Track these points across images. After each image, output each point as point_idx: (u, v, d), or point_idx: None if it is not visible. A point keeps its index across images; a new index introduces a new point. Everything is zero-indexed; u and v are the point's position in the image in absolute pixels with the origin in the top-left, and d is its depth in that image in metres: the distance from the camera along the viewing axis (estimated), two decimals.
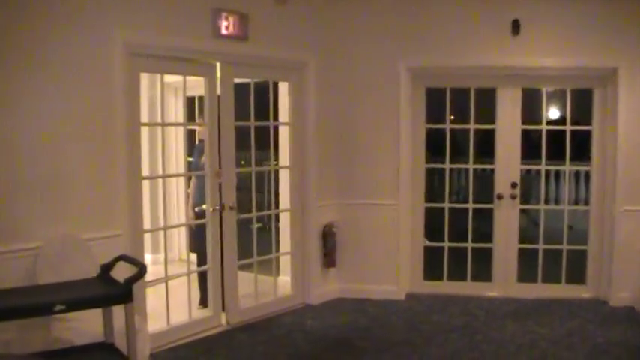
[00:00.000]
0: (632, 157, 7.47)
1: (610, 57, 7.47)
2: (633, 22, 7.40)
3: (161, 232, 7.53)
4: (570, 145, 7.91)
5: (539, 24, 7.52)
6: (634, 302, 7.50)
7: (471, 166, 8.22)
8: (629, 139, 7.47)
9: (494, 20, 7.58)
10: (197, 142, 7.76)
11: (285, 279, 7.85)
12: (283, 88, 7.73)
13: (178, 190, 8.83)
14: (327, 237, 7.83)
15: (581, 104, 8.03)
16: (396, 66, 7.76)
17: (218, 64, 6.72)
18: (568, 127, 7.90)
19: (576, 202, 11.69)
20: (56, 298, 4.30)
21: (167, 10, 6.07)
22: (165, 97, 6.83)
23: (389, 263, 7.96)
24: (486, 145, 8.09)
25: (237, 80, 6.97)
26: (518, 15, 7.49)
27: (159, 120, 7.56)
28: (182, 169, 7.89)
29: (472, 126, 8.05)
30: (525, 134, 7.99)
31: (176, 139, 8.77)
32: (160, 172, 8.30)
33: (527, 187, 9.89)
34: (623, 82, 7.45)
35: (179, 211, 8.82)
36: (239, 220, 7.04)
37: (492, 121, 8.02)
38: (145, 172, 7.28)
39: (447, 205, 8.24)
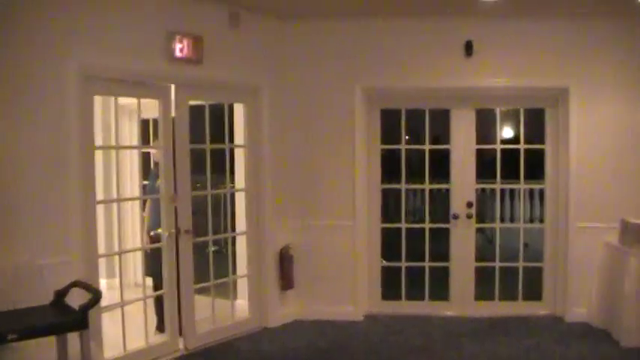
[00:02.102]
0: (585, 175, 7.59)
1: (561, 77, 7.61)
2: (584, 44, 7.56)
3: (116, 257, 7.43)
4: (524, 163, 8.01)
5: (492, 45, 7.63)
6: (589, 318, 7.58)
7: (427, 186, 8.27)
8: (580, 156, 7.59)
9: (448, 42, 7.68)
10: (152, 165, 7.70)
11: (242, 302, 7.79)
12: (239, 110, 7.70)
13: (133, 214, 8.73)
14: (284, 259, 7.79)
15: (535, 123, 8.14)
16: (351, 88, 7.80)
17: (172, 87, 6.68)
18: (522, 146, 8.00)
19: (531, 220, 11.85)
20: (8, 327, 4.22)
21: (121, 33, 6.02)
22: (120, 119, 6.75)
23: (346, 284, 7.95)
24: (442, 165, 8.14)
25: (192, 102, 6.94)
26: (472, 36, 7.60)
27: (113, 143, 7.48)
28: (137, 193, 7.81)
29: (427, 146, 8.11)
30: (480, 154, 8.07)
31: (131, 163, 8.68)
32: (115, 196, 8.19)
33: (482, 206, 9.98)
34: (573, 101, 7.58)
35: (134, 235, 8.72)
36: (195, 243, 6.99)
37: (447, 142, 8.08)
38: (100, 195, 7.18)
39: (403, 225, 8.26)
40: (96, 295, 4.65)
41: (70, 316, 4.57)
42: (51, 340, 4.77)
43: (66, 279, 5.03)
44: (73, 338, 4.69)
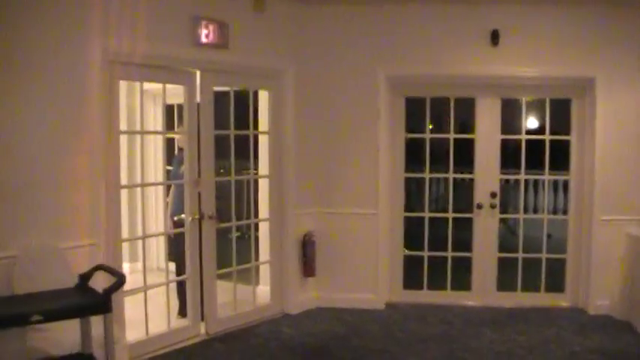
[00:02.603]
0: (610, 167, 7.52)
1: (588, 68, 7.54)
2: (611, 33, 7.48)
3: (139, 241, 7.48)
4: (549, 154, 7.96)
5: (519, 34, 7.56)
6: (612, 310, 7.54)
7: (450, 175, 8.25)
8: (606, 149, 7.52)
9: (474, 30, 7.62)
10: (176, 151, 7.72)
11: (264, 288, 7.83)
12: (263, 96, 7.71)
13: (157, 199, 8.77)
14: (307, 246, 7.81)
15: (560, 114, 8.07)
16: (376, 75, 7.77)
17: (198, 72, 6.70)
18: (547, 137, 7.95)
19: (555, 211, 11.77)
20: (33, 309, 4.25)
21: (147, 18, 6.03)
22: (145, 105, 6.77)
23: (368, 272, 7.95)
24: (466, 154, 8.11)
25: (217, 88, 6.95)
26: (498, 25, 7.53)
27: (138, 128, 7.51)
28: (161, 178, 7.85)
29: (452, 135, 8.07)
30: (504, 143, 8.02)
31: (155, 148, 8.71)
32: (139, 181, 8.24)
33: (506, 197, 9.93)
34: (600, 92, 7.51)
35: (157, 220, 8.77)
36: (218, 228, 7.01)
37: (472, 131, 8.05)
38: (124, 180, 7.20)
39: (426, 214, 8.26)
40: (120, 279, 4.68)
41: (94, 299, 4.60)
42: (75, 323, 4.81)
43: (90, 263, 5.07)
44: (96, 321, 4.73)
